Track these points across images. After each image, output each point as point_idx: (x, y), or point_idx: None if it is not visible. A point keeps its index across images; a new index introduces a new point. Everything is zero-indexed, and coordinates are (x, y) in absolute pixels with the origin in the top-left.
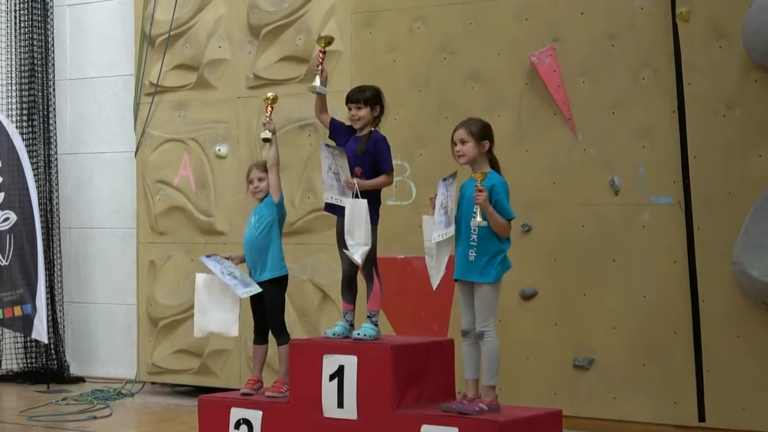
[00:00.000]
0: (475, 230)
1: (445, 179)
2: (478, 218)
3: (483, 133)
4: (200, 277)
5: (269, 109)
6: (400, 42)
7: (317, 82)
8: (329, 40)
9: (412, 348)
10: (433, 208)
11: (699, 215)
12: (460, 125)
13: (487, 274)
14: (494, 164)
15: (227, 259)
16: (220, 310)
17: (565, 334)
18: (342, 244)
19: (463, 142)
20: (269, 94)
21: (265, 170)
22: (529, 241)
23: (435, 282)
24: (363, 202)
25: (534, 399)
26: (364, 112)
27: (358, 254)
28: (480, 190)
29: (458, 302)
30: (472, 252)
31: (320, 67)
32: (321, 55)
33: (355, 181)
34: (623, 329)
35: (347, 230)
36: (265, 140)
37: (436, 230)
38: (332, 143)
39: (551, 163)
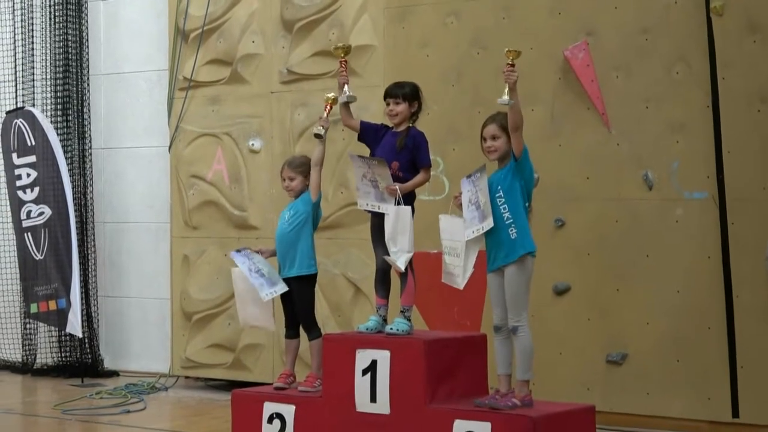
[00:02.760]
0: (505, 207)
1: (469, 176)
2: (505, 96)
3: (516, 125)
4: (235, 272)
5: (328, 108)
6: (433, 36)
7: (346, 91)
8: (347, 50)
9: (444, 343)
10: (459, 207)
11: (733, 210)
12: (490, 120)
13: (529, 243)
14: None
15: (257, 252)
16: (256, 304)
17: (598, 329)
18: (376, 238)
19: (494, 137)
20: (330, 94)
21: (296, 169)
22: (562, 236)
23: (462, 282)
24: (407, 210)
25: (567, 394)
26: (402, 108)
27: (401, 261)
28: (513, 70)
29: (490, 298)
30: (512, 230)
31: (345, 78)
32: (342, 66)
33: (397, 186)
34: (656, 324)
35: (390, 237)
36: (317, 136)
37: (469, 227)
38: (363, 153)
39: (584, 158)
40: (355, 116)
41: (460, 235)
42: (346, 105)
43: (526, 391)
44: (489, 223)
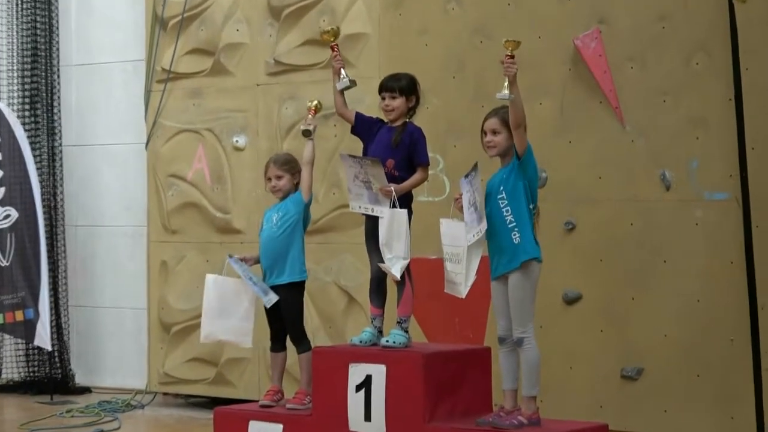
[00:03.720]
0: (508, 210)
1: (467, 175)
2: (505, 91)
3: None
4: (211, 278)
5: (312, 113)
6: (433, 24)
7: (343, 76)
8: (335, 33)
9: (445, 356)
10: (460, 209)
11: (758, 212)
12: (492, 114)
13: (533, 248)
14: None
15: (242, 260)
16: (233, 317)
17: (612, 341)
18: (370, 243)
19: (495, 132)
20: (313, 102)
21: (283, 166)
22: (572, 240)
23: (465, 290)
24: (403, 213)
25: (578, 412)
26: (399, 102)
27: (396, 269)
28: (513, 62)
29: (494, 307)
30: (515, 234)
31: (340, 63)
32: (334, 51)
33: (392, 187)
34: (675, 336)
35: (384, 242)
36: (306, 133)
37: (470, 230)
38: (355, 152)
39: (596, 156)
40: (350, 108)
41: (462, 240)
42: (342, 92)
43: (533, 408)
44: (484, 226)
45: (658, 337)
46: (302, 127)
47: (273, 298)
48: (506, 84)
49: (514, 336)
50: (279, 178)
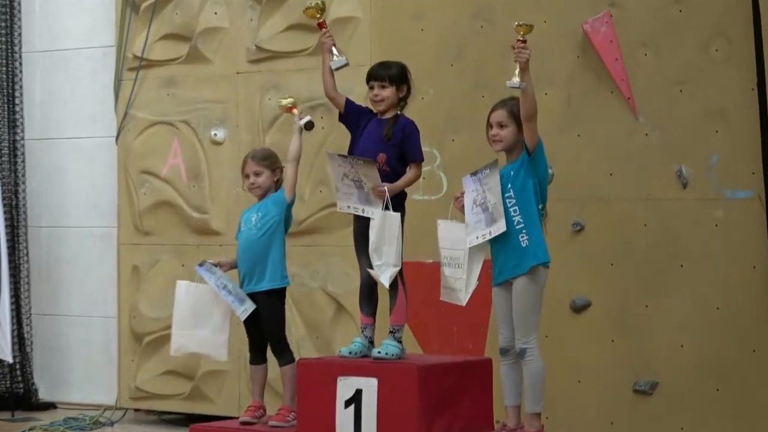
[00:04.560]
0: (516, 209)
1: (475, 173)
2: (516, 78)
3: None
4: (182, 285)
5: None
6: (429, 7)
7: (336, 54)
8: (321, 8)
9: (442, 369)
10: (461, 209)
11: None
12: (500, 105)
13: (542, 252)
14: None
15: (216, 266)
16: (207, 327)
17: (624, 352)
18: (360, 246)
19: (501, 125)
20: (286, 100)
21: (263, 162)
22: (581, 242)
23: (466, 297)
24: (396, 217)
25: (587, 429)
26: (389, 92)
27: (386, 276)
28: (525, 47)
29: (495, 315)
30: (523, 237)
31: (331, 40)
32: (323, 28)
33: (386, 187)
34: (692, 347)
35: (374, 248)
36: (309, 126)
37: (473, 232)
38: (343, 150)
39: (607, 151)
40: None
41: (462, 243)
42: (333, 73)
43: (538, 425)
44: (500, 227)
45: (674, 348)
46: (301, 122)
47: (249, 308)
48: (517, 71)
49: (516, 346)
50: (258, 174)
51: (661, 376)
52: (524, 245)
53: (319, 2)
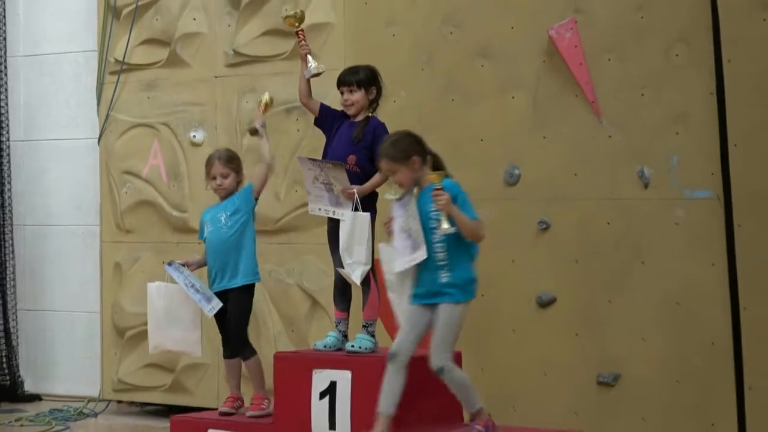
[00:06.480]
0: (442, 247)
1: (400, 198)
2: (445, 224)
3: (404, 153)
4: (152, 286)
5: (262, 109)
6: (401, 13)
7: (311, 63)
8: (300, 17)
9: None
10: (389, 234)
11: (740, 211)
12: (381, 154)
13: (469, 290)
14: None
15: (184, 265)
16: (179, 327)
17: (588, 346)
18: (334, 245)
19: (393, 172)
20: (265, 96)
21: (230, 164)
22: (546, 240)
23: (400, 320)
24: (365, 217)
25: (553, 420)
26: (358, 96)
27: (356, 274)
28: (440, 193)
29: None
30: (444, 273)
31: (306, 48)
32: (300, 36)
33: (355, 189)
34: (654, 341)
35: (345, 247)
36: (253, 132)
37: (400, 257)
38: (314, 156)
39: (572, 152)
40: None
41: (394, 267)
42: (309, 80)
43: (485, 417)
44: (421, 255)
45: (636, 342)
46: (251, 126)
47: (216, 306)
48: (444, 217)
49: (432, 364)
50: (225, 176)
51: (623, 368)
52: (444, 281)
53: (298, 12)
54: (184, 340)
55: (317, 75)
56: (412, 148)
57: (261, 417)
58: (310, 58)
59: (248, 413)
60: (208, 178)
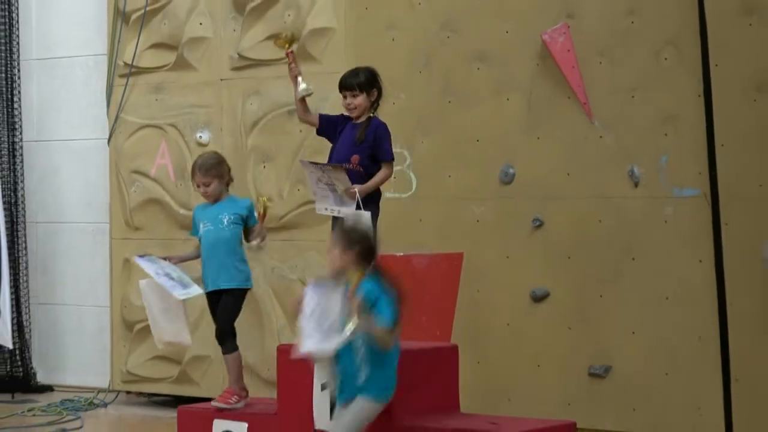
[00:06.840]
0: (362, 347)
1: (317, 284)
2: (348, 325)
3: (352, 240)
4: (143, 283)
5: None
6: (400, 19)
7: (300, 83)
8: (291, 39)
9: (411, 355)
10: (296, 313)
11: (727, 209)
12: (333, 234)
13: (385, 388)
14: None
15: (164, 260)
16: (167, 318)
17: (580, 339)
18: None
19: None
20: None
21: (209, 172)
22: (540, 237)
23: None
24: (367, 215)
25: (546, 410)
26: (361, 99)
27: None
28: (353, 297)
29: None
30: (362, 374)
31: (296, 70)
32: (290, 57)
33: (356, 188)
34: (643, 334)
35: None
36: (307, 94)
37: (307, 339)
38: (315, 159)
39: (565, 152)
40: (314, 109)
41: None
42: (302, 99)
43: None
44: (332, 346)
45: (627, 335)
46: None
47: (193, 292)
48: (350, 319)
49: None
50: (207, 185)
51: (614, 360)
52: (362, 384)
53: (289, 34)
54: (173, 331)
55: (307, 95)
56: (359, 240)
57: (227, 409)
58: (300, 79)
59: (214, 402)
60: (193, 185)
